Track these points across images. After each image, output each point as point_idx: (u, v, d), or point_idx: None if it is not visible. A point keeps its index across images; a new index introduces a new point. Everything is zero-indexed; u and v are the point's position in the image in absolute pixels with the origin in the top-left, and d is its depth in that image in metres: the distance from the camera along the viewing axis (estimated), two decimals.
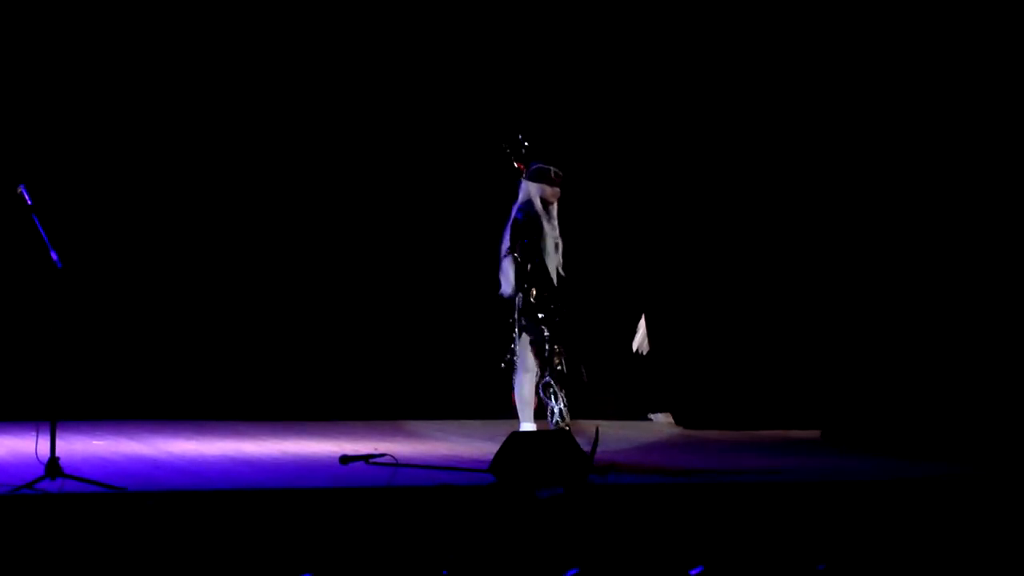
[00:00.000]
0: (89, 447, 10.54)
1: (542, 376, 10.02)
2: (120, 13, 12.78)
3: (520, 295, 9.98)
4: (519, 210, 9.99)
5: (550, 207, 10.00)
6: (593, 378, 13.55)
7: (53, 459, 8.30)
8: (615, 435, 12.09)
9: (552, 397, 10.01)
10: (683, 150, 13.19)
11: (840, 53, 12.65)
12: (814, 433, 12.39)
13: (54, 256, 8.45)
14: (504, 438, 8.96)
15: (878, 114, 12.49)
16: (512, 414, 13.05)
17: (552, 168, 9.98)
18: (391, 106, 13.23)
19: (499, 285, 10.20)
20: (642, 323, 13.19)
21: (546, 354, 9.96)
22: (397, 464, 8.85)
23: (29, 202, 8.63)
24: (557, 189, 9.99)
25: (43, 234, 8.51)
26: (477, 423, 12.79)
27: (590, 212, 13.60)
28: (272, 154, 13.17)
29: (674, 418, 13.22)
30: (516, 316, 9.99)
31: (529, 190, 9.98)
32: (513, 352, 10.10)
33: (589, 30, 13.44)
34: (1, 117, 12.57)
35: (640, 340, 13.13)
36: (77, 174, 12.74)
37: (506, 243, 10.05)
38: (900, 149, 12.45)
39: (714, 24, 13.05)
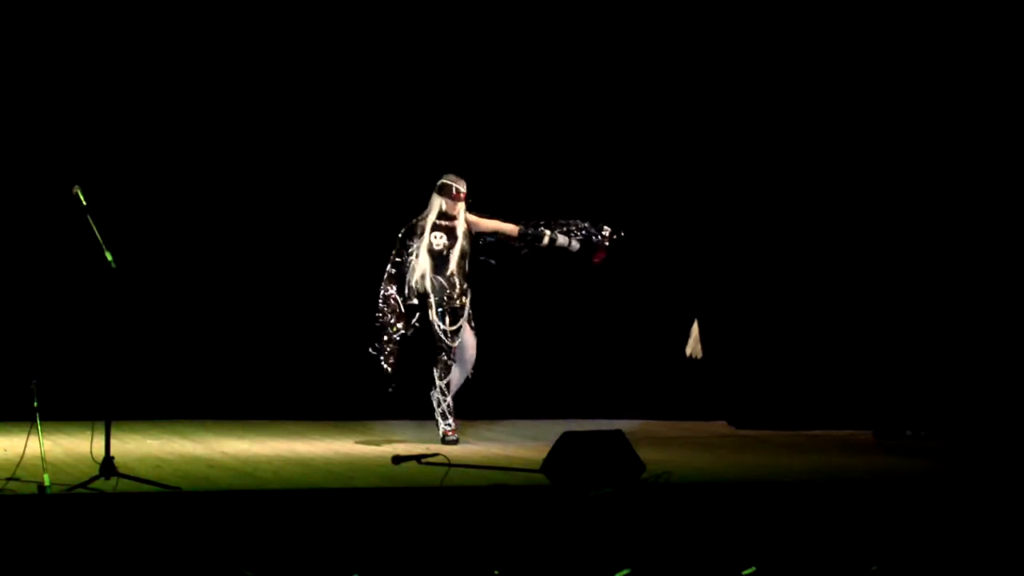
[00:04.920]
0: (143, 447, 10.60)
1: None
2: (182, 21, 12.88)
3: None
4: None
5: (455, 218, 11.25)
6: (648, 379, 13.62)
7: (108, 458, 8.35)
8: (666, 435, 12.09)
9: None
10: (733, 154, 13.15)
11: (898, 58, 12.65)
12: (867, 433, 12.36)
13: (109, 256, 8.50)
14: (554, 439, 8.96)
15: (940, 124, 12.49)
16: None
17: (454, 185, 11.22)
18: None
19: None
20: (695, 328, 13.17)
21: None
22: (449, 464, 8.85)
23: (84, 203, 8.68)
24: (454, 203, 11.22)
25: (98, 235, 8.56)
26: (528, 423, 12.80)
27: (642, 218, 13.61)
28: (317, 161, 13.25)
29: (728, 419, 13.19)
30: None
31: (431, 202, 11.31)
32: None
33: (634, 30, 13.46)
34: (58, 119, 12.66)
35: (693, 345, 13.11)
36: (133, 175, 12.81)
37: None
38: (958, 158, 12.44)
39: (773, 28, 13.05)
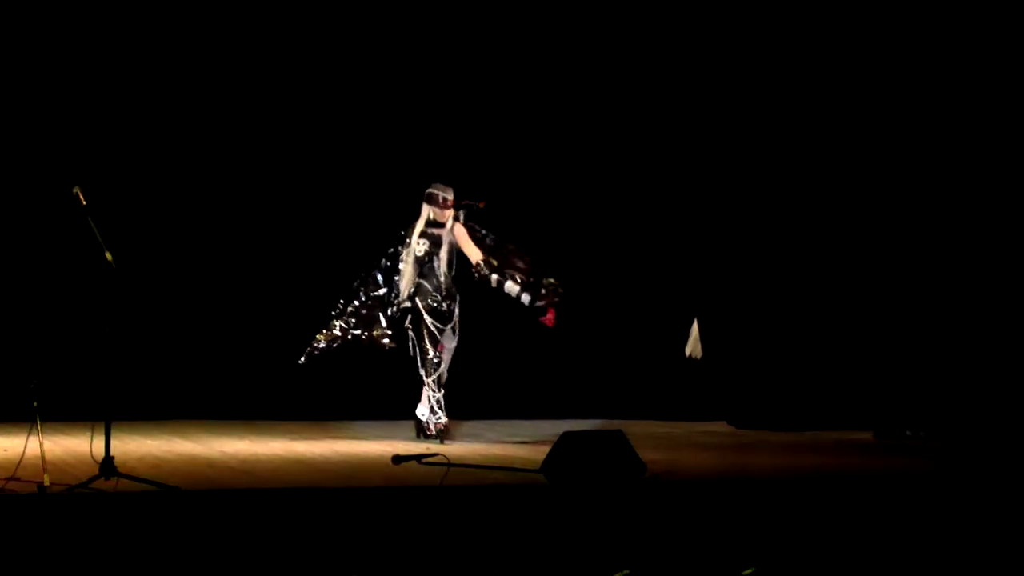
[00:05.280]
0: (143, 447, 10.61)
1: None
2: (182, 23, 12.88)
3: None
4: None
5: (443, 225, 11.49)
6: (648, 380, 13.62)
7: (108, 458, 8.35)
8: (667, 435, 12.09)
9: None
10: (732, 155, 13.16)
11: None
12: (867, 434, 12.37)
13: (109, 257, 8.50)
14: (554, 439, 8.96)
15: (940, 124, 12.50)
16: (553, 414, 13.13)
17: (440, 194, 11.44)
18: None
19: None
20: (695, 327, 13.18)
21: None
22: (449, 464, 8.86)
23: (84, 203, 8.68)
24: (441, 210, 11.47)
25: (98, 235, 8.56)
26: (527, 423, 12.80)
27: (642, 217, 13.61)
28: (316, 163, 13.27)
29: (728, 419, 13.19)
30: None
31: (423, 210, 11.56)
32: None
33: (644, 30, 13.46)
34: (58, 120, 12.66)
35: (693, 345, 13.12)
36: (133, 175, 12.81)
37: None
38: (957, 158, 12.45)
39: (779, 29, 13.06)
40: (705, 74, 13.17)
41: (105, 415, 8.55)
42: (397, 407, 12.88)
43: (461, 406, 13.11)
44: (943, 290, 12.48)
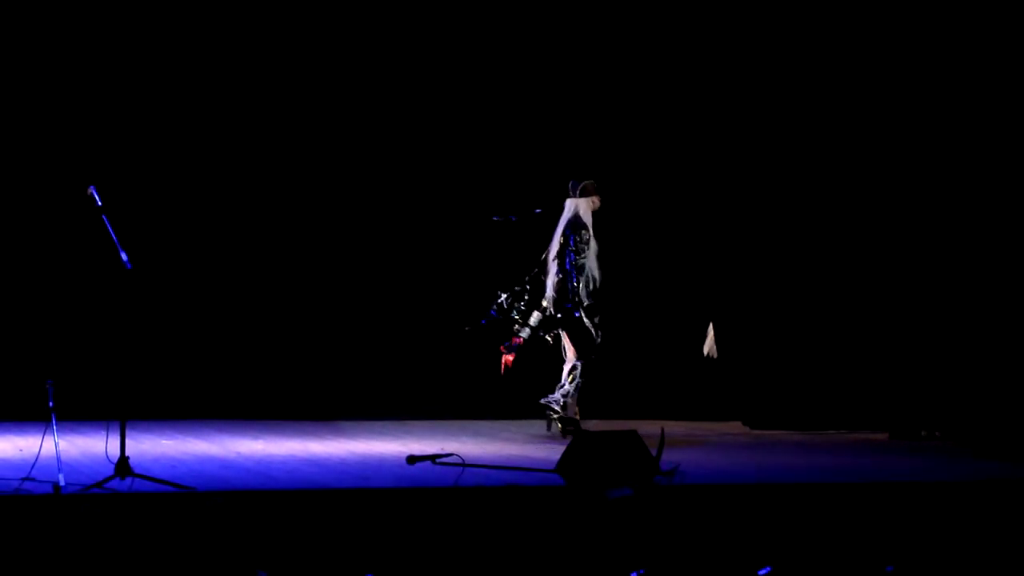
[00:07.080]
0: (158, 447, 10.62)
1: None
2: (199, 25, 12.91)
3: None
4: (570, 224, 11.40)
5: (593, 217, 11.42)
6: (664, 380, 13.62)
7: (123, 458, 8.36)
8: (682, 436, 12.08)
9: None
10: (748, 158, 13.15)
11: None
12: (882, 434, 12.35)
13: (124, 257, 8.51)
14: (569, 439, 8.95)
15: (956, 129, 12.48)
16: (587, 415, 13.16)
17: (591, 182, 11.39)
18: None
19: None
20: (711, 328, 13.17)
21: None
22: (464, 464, 8.86)
23: (99, 203, 8.69)
24: (596, 200, 11.31)
25: (113, 235, 8.57)
26: (543, 423, 12.78)
27: (659, 219, 13.60)
28: (333, 163, 13.28)
29: (743, 419, 13.18)
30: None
31: (579, 205, 11.42)
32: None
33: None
34: (73, 121, 12.68)
35: (710, 344, 13.12)
36: (148, 176, 12.84)
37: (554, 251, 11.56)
38: (973, 161, 12.44)
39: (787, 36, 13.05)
40: (726, 79, 13.16)
41: (120, 415, 8.56)
42: (412, 407, 12.91)
43: (475, 406, 13.15)
44: (958, 291, 12.45)
